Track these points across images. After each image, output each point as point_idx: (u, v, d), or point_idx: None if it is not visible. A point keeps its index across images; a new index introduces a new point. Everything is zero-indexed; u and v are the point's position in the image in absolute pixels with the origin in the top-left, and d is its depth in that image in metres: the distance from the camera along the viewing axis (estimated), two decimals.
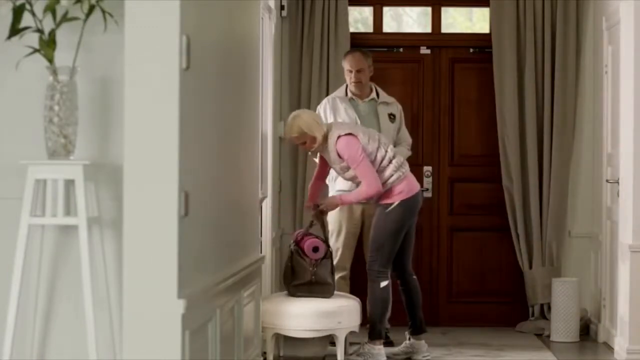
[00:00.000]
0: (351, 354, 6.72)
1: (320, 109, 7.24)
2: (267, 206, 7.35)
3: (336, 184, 7.16)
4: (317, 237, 6.63)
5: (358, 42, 8.12)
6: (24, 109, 4.21)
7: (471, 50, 8.39)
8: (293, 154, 8.09)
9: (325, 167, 6.85)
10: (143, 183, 3.89)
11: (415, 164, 7.72)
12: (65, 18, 4.05)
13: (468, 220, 8.37)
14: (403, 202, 6.61)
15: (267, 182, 7.32)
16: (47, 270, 4.22)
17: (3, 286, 4.15)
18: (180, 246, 3.90)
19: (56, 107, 4.03)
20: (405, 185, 6.62)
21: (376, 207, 6.72)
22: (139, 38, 3.89)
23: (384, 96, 7.32)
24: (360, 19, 8.62)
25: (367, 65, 7.23)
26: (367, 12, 8.52)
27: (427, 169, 8.36)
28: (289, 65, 8.17)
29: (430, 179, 8.35)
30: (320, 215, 6.75)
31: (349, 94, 7.27)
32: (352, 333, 6.66)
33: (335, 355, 6.57)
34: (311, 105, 7.82)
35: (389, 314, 6.79)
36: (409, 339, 6.93)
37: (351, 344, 6.89)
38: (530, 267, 8.10)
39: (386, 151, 6.60)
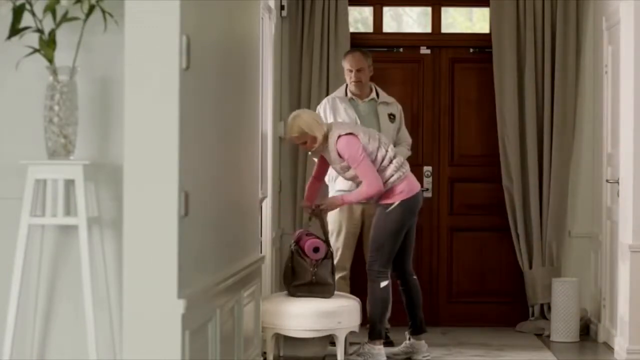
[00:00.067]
0: (351, 354, 6.72)
1: (320, 109, 7.25)
2: (267, 206, 7.35)
3: (336, 184, 7.16)
4: (317, 237, 6.63)
5: (358, 42, 8.12)
6: (24, 109, 4.21)
7: (471, 50, 8.39)
8: (293, 154, 8.09)
9: (323, 166, 6.85)
10: (143, 183, 3.89)
11: (415, 164, 7.72)
12: (65, 18, 4.05)
13: (468, 220, 8.37)
14: (403, 202, 6.61)
15: (267, 182, 7.32)
16: (47, 270, 4.22)
17: (3, 286, 4.15)
18: (180, 246, 3.90)
19: (56, 107, 4.03)
20: (406, 185, 6.62)
21: (376, 207, 6.72)
22: (139, 38, 3.89)
23: (383, 96, 7.33)
24: (360, 19, 8.62)
25: (367, 65, 7.24)
26: (367, 12, 8.52)
27: (427, 169, 8.36)
28: (289, 65, 8.17)
29: (430, 179, 8.35)
30: (320, 213, 6.75)
31: (349, 94, 7.28)
32: (352, 333, 6.66)
33: (335, 355, 6.57)
34: (311, 105, 7.82)
35: (389, 314, 6.79)
36: (409, 339, 6.92)
37: (351, 344, 6.89)
38: (530, 267, 8.10)
39: (387, 151, 6.60)
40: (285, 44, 8.17)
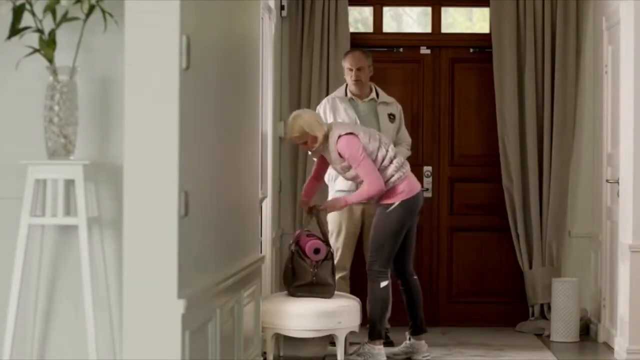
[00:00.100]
0: (351, 354, 6.72)
1: (320, 109, 7.24)
2: (267, 206, 7.35)
3: (336, 184, 7.16)
4: (318, 238, 6.63)
5: (358, 42, 8.12)
6: (24, 109, 4.21)
7: (471, 50, 8.39)
8: (293, 154, 8.09)
9: (322, 166, 6.85)
10: (143, 183, 3.89)
11: (415, 164, 7.72)
12: (65, 18, 4.05)
13: (468, 220, 8.37)
14: (403, 202, 6.61)
15: (267, 182, 7.32)
16: (47, 270, 4.21)
17: (3, 286, 4.15)
18: (180, 246, 3.90)
19: (56, 107, 4.03)
20: (406, 186, 6.62)
21: (376, 207, 6.72)
22: (139, 38, 3.89)
23: (383, 96, 7.33)
24: (360, 19, 8.62)
25: (367, 64, 7.24)
26: (367, 12, 8.52)
27: (427, 169, 8.36)
28: (289, 65, 8.17)
29: (430, 179, 8.35)
30: (318, 213, 6.75)
31: (349, 94, 7.28)
32: (352, 333, 6.66)
33: (335, 355, 6.57)
34: (311, 105, 7.82)
35: (389, 314, 6.79)
36: (409, 339, 6.92)
37: (351, 344, 6.89)
38: (530, 267, 8.10)
39: (387, 151, 6.60)
40: (285, 44, 8.17)
